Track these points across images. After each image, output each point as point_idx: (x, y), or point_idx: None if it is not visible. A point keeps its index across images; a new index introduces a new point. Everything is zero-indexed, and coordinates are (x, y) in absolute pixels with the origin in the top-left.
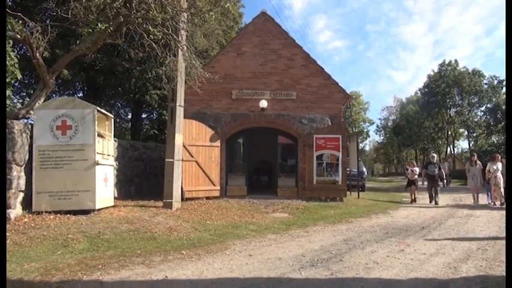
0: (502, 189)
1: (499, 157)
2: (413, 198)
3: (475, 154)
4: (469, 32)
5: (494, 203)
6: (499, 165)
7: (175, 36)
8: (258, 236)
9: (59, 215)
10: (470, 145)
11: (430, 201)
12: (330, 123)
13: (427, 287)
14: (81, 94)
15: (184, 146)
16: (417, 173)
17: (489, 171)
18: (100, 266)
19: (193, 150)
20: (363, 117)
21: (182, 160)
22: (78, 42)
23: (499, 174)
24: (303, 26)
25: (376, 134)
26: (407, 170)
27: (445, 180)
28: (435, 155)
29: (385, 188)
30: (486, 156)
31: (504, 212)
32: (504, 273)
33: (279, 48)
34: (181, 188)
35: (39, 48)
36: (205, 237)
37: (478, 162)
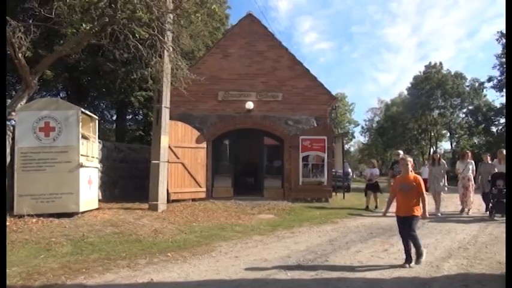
0: (472, 195)
1: (470, 155)
2: (368, 204)
3: (438, 152)
4: (451, 34)
5: (462, 209)
6: (470, 165)
7: (161, 37)
8: (244, 238)
9: (41, 218)
10: (453, 146)
11: None
12: (315, 125)
13: (410, 285)
14: (64, 95)
15: (170, 147)
16: (376, 175)
17: (458, 171)
18: (84, 270)
19: (179, 152)
20: (348, 118)
21: (168, 162)
22: (61, 42)
23: (470, 175)
24: (289, 27)
25: (361, 135)
26: (363, 173)
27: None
28: (401, 151)
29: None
30: None
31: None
32: (484, 271)
33: (265, 49)
34: (167, 190)
35: (21, 48)
36: (191, 239)
37: (442, 161)
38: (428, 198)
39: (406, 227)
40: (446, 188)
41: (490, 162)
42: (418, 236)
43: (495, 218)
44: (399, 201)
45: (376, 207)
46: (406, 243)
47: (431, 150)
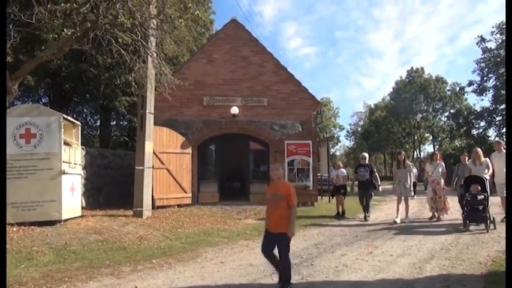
0: (442, 199)
1: (439, 156)
2: (339, 210)
3: (403, 152)
4: (432, 40)
5: (435, 216)
6: (440, 167)
7: (144, 43)
8: (230, 243)
9: (22, 226)
10: (435, 149)
11: (365, 217)
12: (300, 129)
13: (393, 287)
14: (46, 101)
15: (154, 153)
16: (344, 176)
17: (427, 174)
18: (66, 279)
19: (164, 158)
20: (334, 122)
21: (153, 168)
22: (43, 47)
23: (440, 178)
24: (274, 32)
25: (347, 139)
26: (329, 175)
27: (380, 187)
28: (366, 154)
29: (355, 192)
30: (450, 158)
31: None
32: (465, 272)
33: (250, 55)
34: (152, 196)
35: None
36: (176, 246)
37: (408, 163)
38: (396, 203)
39: (278, 246)
40: (413, 193)
41: (468, 163)
42: (290, 259)
43: (470, 228)
44: (269, 213)
45: (343, 212)
46: (272, 260)
47: (415, 153)
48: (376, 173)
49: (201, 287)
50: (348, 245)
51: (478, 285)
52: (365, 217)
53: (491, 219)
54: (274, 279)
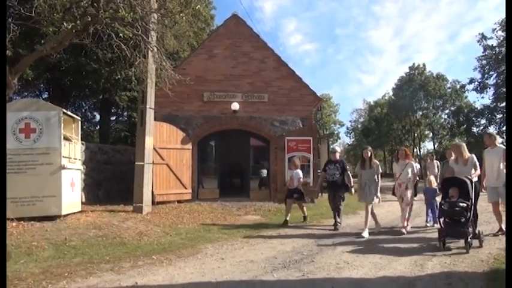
0: (408, 208)
1: (406, 152)
2: (287, 218)
3: (369, 148)
4: (432, 37)
5: (402, 227)
6: (409, 168)
7: (144, 37)
8: (230, 239)
9: (22, 222)
10: (435, 146)
11: (335, 224)
12: (301, 126)
13: (395, 285)
14: (46, 96)
15: (154, 148)
16: (299, 178)
17: (395, 175)
18: (66, 274)
19: (164, 153)
20: (334, 119)
21: (153, 163)
22: (42, 41)
23: (408, 181)
24: (274, 28)
25: (347, 135)
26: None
27: (352, 188)
28: (338, 148)
29: (355, 189)
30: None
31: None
32: (467, 269)
33: (251, 50)
34: (152, 192)
35: None
36: (176, 242)
37: (375, 162)
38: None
39: None
40: (377, 199)
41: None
42: None
43: (448, 245)
44: None
45: (304, 218)
46: None
47: (415, 150)
48: (349, 172)
49: (201, 283)
50: (349, 241)
51: (480, 283)
52: (335, 225)
53: (476, 234)
54: (275, 275)
